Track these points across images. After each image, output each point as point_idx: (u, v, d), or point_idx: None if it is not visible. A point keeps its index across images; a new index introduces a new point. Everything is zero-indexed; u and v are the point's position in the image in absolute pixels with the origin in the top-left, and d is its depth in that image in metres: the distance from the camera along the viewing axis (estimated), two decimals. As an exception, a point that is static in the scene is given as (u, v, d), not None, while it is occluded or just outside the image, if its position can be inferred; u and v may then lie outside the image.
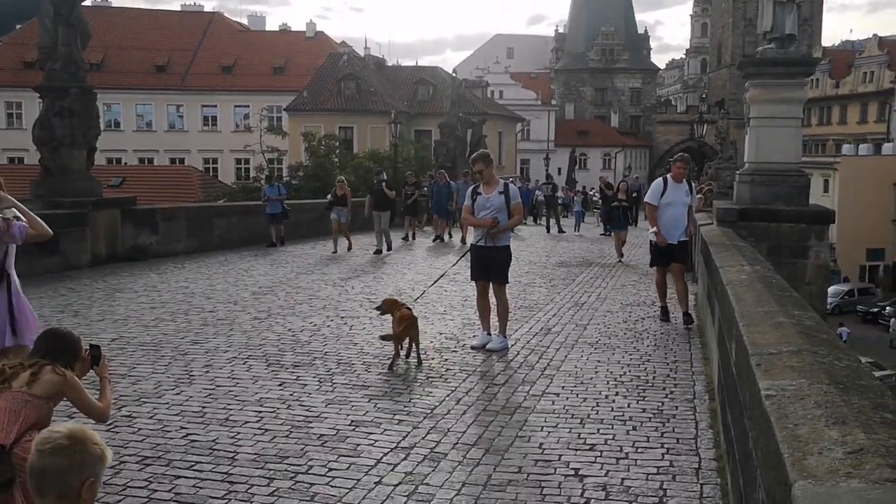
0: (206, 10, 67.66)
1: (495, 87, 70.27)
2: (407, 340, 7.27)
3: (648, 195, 9.78)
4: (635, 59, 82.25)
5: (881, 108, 60.84)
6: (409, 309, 7.43)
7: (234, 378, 6.62)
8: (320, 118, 48.81)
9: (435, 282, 10.36)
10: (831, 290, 41.90)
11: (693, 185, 10.10)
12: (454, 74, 67.58)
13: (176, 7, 69.87)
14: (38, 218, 5.00)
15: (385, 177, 19.22)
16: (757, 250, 9.31)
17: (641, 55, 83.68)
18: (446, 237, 20.88)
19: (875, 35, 67.47)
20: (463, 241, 18.69)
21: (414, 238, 20.66)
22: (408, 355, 7.29)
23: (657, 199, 9.44)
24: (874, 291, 51.21)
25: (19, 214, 4.84)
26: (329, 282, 12.65)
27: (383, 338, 7.41)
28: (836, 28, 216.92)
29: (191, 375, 6.67)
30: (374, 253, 16.77)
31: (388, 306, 7.50)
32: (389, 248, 17.31)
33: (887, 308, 46.23)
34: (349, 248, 17.25)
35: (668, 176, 9.66)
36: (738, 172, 13.77)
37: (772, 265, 7.57)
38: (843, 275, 51.29)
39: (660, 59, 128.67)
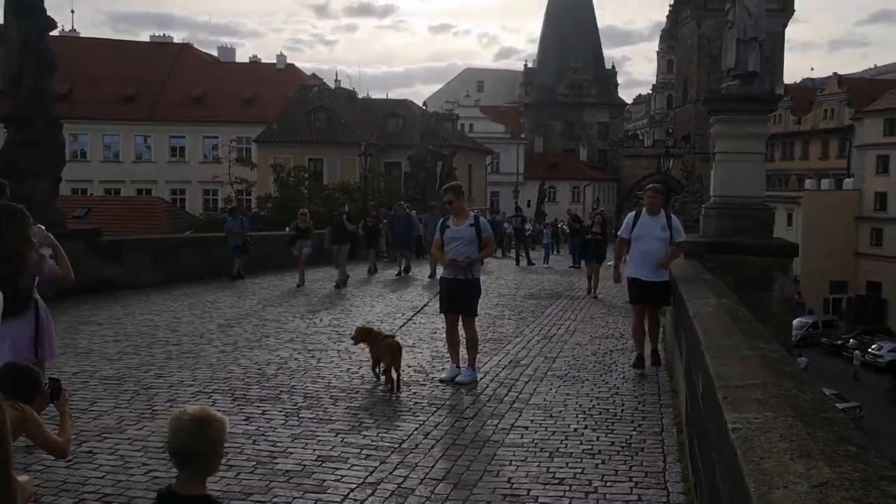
0: (175, 41, 67.60)
1: (465, 120, 70.86)
2: (382, 367, 7.49)
3: (621, 228, 9.02)
4: (603, 94, 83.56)
5: (841, 145, 62.22)
6: (393, 337, 7.65)
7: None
8: (290, 150, 48.77)
9: (416, 312, 10.29)
10: (796, 322, 42.50)
11: (675, 218, 8.79)
12: (424, 107, 68.12)
13: (145, 38, 69.74)
14: (68, 261, 5.48)
15: (346, 209, 19.09)
16: (723, 283, 9.39)
17: (609, 90, 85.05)
18: (410, 268, 20.40)
19: (835, 73, 69.23)
20: (431, 275, 18.38)
21: (377, 270, 20.32)
22: (387, 380, 7.42)
23: (628, 233, 8.62)
24: (838, 324, 51.97)
25: (52, 253, 5.42)
26: (297, 314, 12.54)
27: (376, 371, 7.63)
28: (798, 66, 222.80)
29: (154, 410, 6.54)
30: (335, 287, 16.37)
31: (361, 335, 7.72)
32: (344, 284, 16.76)
33: (851, 340, 46.91)
34: (304, 283, 16.74)
35: (643, 207, 8.77)
36: (704, 206, 13.97)
37: (738, 298, 7.64)
38: (807, 307, 52.04)
39: (627, 94, 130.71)
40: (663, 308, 10.52)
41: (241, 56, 71.17)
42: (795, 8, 77.82)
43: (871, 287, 54.29)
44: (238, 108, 56.32)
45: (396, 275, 19.69)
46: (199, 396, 7.00)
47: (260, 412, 6.53)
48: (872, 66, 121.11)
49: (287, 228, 18.35)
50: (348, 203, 21.35)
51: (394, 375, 7.41)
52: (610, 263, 9.35)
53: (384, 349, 7.44)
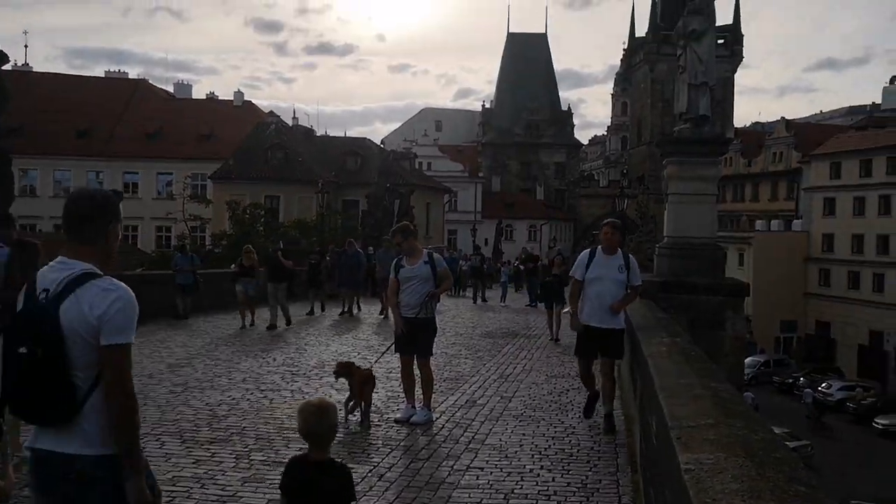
0: (131, 76, 67.12)
1: (423, 158, 71.26)
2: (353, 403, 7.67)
3: (573, 269, 8.03)
4: (559, 134, 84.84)
5: (790, 187, 63.86)
6: (369, 370, 7.83)
7: (145, 456, 6.30)
8: (246, 187, 48.45)
9: (385, 351, 9.78)
10: (748, 361, 43.11)
11: (632, 259, 7.79)
12: (383, 146, 68.38)
13: (100, 73, 69.11)
14: None
15: (282, 245, 18.89)
16: (677, 322, 9.48)
17: (565, 131, 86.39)
18: (354, 310, 19.32)
19: (783, 118, 71.34)
20: (383, 313, 18.08)
21: (323, 310, 19.60)
22: (355, 410, 7.56)
23: (582, 273, 7.66)
24: (789, 362, 52.83)
25: None
26: (250, 353, 12.34)
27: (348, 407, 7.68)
28: (748, 110, 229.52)
29: (99, 453, 6.32)
30: (268, 328, 15.47)
31: (343, 369, 7.75)
32: (289, 323, 16.18)
33: (801, 379, 47.68)
34: (252, 324, 15.95)
35: (599, 247, 7.82)
36: (657, 246, 14.15)
37: (691, 337, 7.71)
38: (758, 346, 52.85)
39: (583, 135, 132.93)
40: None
41: (198, 93, 70.82)
42: (744, 55, 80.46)
43: (820, 326, 55.43)
44: (194, 145, 55.92)
45: (340, 314, 18.88)
46: (146, 439, 6.80)
47: (210, 455, 6.37)
48: (818, 112, 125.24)
49: (232, 266, 17.71)
50: (304, 241, 20.82)
51: (363, 408, 7.56)
52: (567, 310, 8.61)
53: (362, 381, 7.55)
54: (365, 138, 66.27)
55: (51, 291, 2.79)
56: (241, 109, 61.70)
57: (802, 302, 56.40)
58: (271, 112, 65.01)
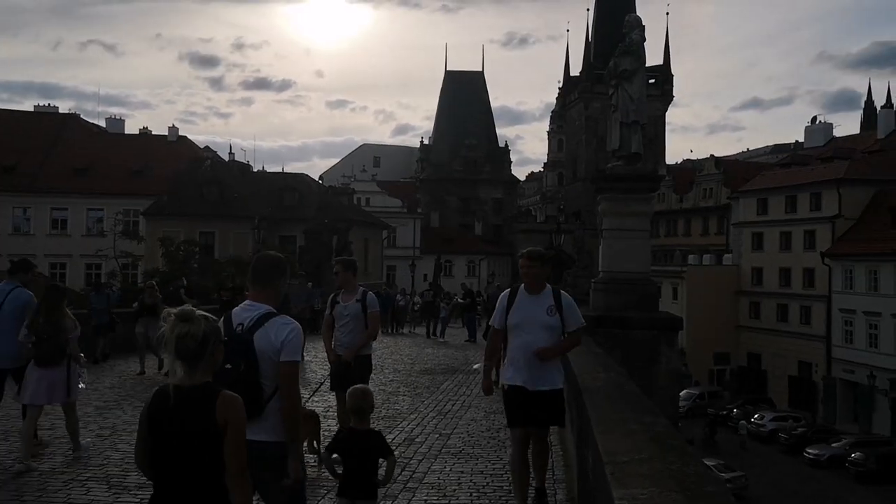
0: (61, 111, 65.61)
1: (362, 194, 71.20)
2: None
3: (493, 316, 6.44)
4: (497, 170, 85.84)
5: (720, 222, 65.64)
6: (311, 409, 7.70)
7: (70, 503, 6.05)
8: (180, 223, 47.58)
9: (317, 388, 9.63)
10: (683, 393, 43.85)
11: (566, 297, 6.12)
12: (320, 181, 68.11)
13: (29, 108, 67.38)
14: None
15: (185, 282, 18.01)
16: (611, 356, 9.58)
17: (503, 167, 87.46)
18: None
19: (712, 155, 73.51)
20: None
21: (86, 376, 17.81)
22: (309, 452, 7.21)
23: (502, 320, 6.08)
24: (722, 394, 53.80)
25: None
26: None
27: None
28: (680, 148, 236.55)
29: (22, 500, 6.06)
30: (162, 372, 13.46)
31: None
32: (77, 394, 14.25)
33: (735, 410, 48.60)
34: (160, 368, 13.59)
35: (521, 285, 6.17)
36: (593, 280, 14.34)
37: (626, 371, 7.80)
38: (693, 378, 53.76)
39: (520, 172, 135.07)
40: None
41: (131, 127, 69.59)
42: (675, 94, 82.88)
43: (752, 358, 56.72)
44: (126, 180, 54.68)
45: None
46: (71, 485, 6.54)
47: (137, 501, 6.14)
48: (745, 150, 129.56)
49: (134, 304, 15.86)
50: (237, 278, 19.45)
51: (315, 446, 7.27)
52: (477, 366, 6.33)
53: (306, 420, 7.25)
54: (303, 174, 66.04)
55: (245, 325, 4.11)
56: (176, 144, 60.76)
57: (734, 334, 57.70)
58: (207, 147, 64.36)
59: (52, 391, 7.50)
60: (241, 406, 3.24)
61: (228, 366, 3.77)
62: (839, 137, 71.41)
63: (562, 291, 6.16)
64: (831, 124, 74.69)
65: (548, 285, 6.13)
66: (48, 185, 54.15)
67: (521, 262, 6.08)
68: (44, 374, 7.42)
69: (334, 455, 5.03)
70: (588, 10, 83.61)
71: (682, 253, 65.77)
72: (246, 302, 4.28)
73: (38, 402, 7.48)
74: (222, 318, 4.00)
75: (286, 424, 3.98)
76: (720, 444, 43.30)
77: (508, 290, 6.26)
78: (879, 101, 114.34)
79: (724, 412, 48.86)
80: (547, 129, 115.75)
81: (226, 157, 60.82)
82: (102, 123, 67.44)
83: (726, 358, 57.42)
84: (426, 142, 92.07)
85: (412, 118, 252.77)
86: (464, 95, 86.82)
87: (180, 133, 64.14)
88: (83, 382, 8.27)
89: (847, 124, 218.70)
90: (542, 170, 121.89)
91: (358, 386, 5.25)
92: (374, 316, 7.79)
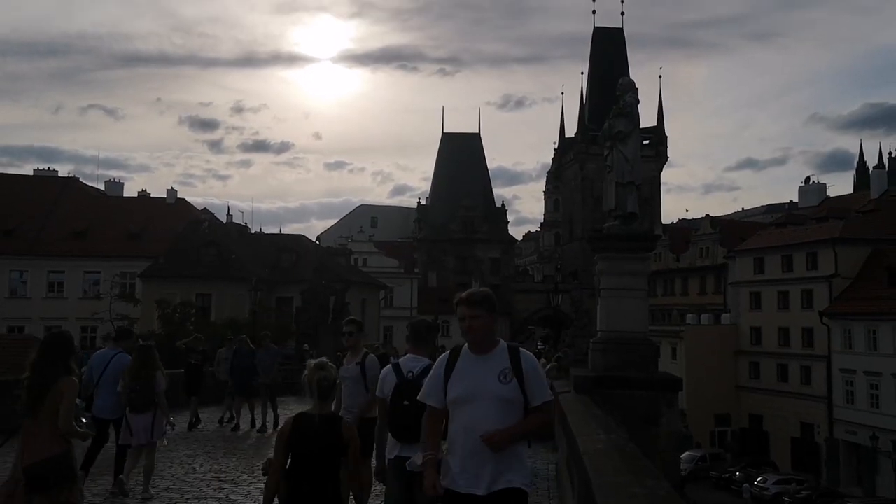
0: (60, 174, 66.11)
1: (359, 255, 71.27)
2: None
3: (425, 389, 4.58)
4: (494, 230, 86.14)
5: (717, 281, 65.61)
6: None
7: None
8: (177, 285, 47.40)
9: None
10: (685, 456, 43.16)
11: (527, 357, 4.42)
12: (318, 242, 68.30)
13: (29, 171, 67.94)
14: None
15: (153, 343, 17.59)
16: (612, 418, 9.43)
17: (500, 227, 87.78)
18: (257, 422, 16.18)
19: (707, 215, 73.93)
20: (262, 428, 16.11)
21: (198, 420, 16.35)
22: None
23: (440, 396, 4.44)
24: (724, 457, 52.99)
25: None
26: (175, 459, 11.76)
27: None
28: (676, 207, 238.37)
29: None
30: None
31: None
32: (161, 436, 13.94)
33: (737, 473, 47.79)
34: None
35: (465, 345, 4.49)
36: (591, 340, 14.23)
37: (626, 432, 7.65)
38: (695, 440, 53.02)
39: (517, 231, 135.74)
40: (554, 442, 9.23)
41: (130, 190, 70.15)
42: (670, 155, 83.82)
43: (753, 420, 56.06)
44: (123, 243, 54.80)
45: (222, 421, 16.65)
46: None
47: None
48: (741, 209, 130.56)
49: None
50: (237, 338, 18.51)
51: None
52: (413, 460, 4.92)
53: None
54: (300, 235, 66.26)
55: (414, 372, 5.56)
56: (174, 207, 61.06)
57: (735, 395, 57.16)
58: (205, 209, 64.66)
59: (142, 433, 8.88)
60: (356, 430, 5.18)
61: (406, 402, 5.33)
62: (833, 197, 72.05)
63: (522, 350, 4.49)
64: (825, 184, 75.59)
65: (501, 341, 4.48)
66: (46, 248, 54.21)
67: (459, 311, 4.42)
68: (137, 419, 8.87)
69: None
70: (582, 73, 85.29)
71: (679, 312, 65.59)
72: (409, 355, 5.89)
73: (131, 442, 8.96)
74: (392, 367, 5.67)
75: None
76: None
77: (448, 352, 4.55)
78: (871, 161, 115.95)
79: (727, 475, 48.07)
80: (543, 189, 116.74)
81: (224, 219, 61.04)
82: (101, 187, 67.91)
83: (727, 419, 56.77)
84: (423, 202, 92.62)
85: (410, 179, 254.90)
86: (461, 156, 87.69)
87: (179, 195, 64.56)
88: (167, 435, 9.63)
89: (840, 184, 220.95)
90: (539, 229, 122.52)
91: (316, 363, 5.21)
92: (373, 379, 7.10)
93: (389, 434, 5.63)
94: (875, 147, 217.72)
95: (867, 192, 67.79)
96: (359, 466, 5.24)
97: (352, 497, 6.07)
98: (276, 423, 15.73)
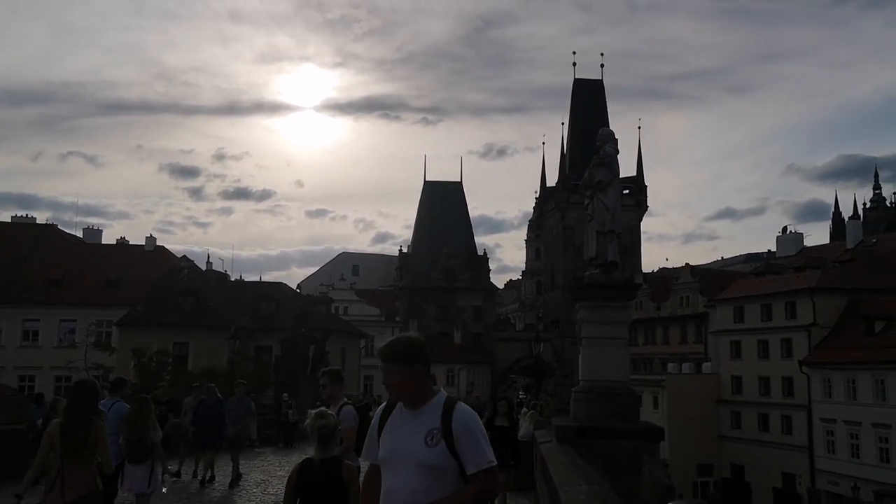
0: (39, 221, 65.64)
1: (340, 303, 71.03)
2: None
3: (365, 446, 4.22)
4: (476, 278, 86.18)
5: (698, 330, 65.80)
6: None
7: None
8: (154, 333, 46.82)
9: None
10: (669, 506, 42.74)
11: (463, 413, 3.85)
12: (298, 290, 67.96)
13: (6, 219, 67.37)
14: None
15: (147, 395, 17.02)
16: (594, 468, 9.31)
17: (482, 275, 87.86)
18: (210, 475, 15.37)
19: (687, 264, 74.42)
20: (234, 482, 15.29)
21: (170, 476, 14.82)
22: None
23: (375, 452, 4.03)
24: (708, 508, 52.49)
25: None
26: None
27: None
28: (657, 256, 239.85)
29: None
30: None
31: None
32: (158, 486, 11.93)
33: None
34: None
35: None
36: (573, 389, 14.13)
37: (608, 483, 7.54)
38: (677, 491, 52.50)
39: (499, 279, 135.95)
40: (537, 494, 9.23)
41: (109, 237, 69.62)
42: (651, 204, 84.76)
43: (735, 469, 55.70)
44: (100, 291, 54.21)
45: (200, 482, 15.22)
46: None
47: None
48: (720, 258, 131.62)
49: (39, 421, 14.34)
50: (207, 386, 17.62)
51: None
52: None
53: None
54: (281, 283, 65.85)
55: None
56: (153, 254, 60.66)
57: (717, 444, 56.89)
58: (184, 257, 64.24)
59: (137, 483, 9.25)
60: (357, 471, 5.36)
61: None
62: (810, 247, 72.81)
63: (458, 406, 3.90)
64: (802, 234, 76.27)
65: (441, 394, 3.98)
66: (21, 296, 53.51)
67: (383, 368, 3.99)
68: (134, 470, 9.23)
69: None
70: (563, 123, 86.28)
71: (661, 361, 65.55)
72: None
73: (133, 490, 9.35)
74: (381, 408, 4.20)
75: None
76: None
77: (384, 403, 4.18)
78: (846, 211, 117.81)
79: (711, 526, 47.57)
80: (525, 237, 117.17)
81: (203, 267, 60.70)
82: (80, 234, 67.44)
83: (710, 469, 56.36)
84: (405, 250, 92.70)
85: (392, 227, 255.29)
86: (443, 204, 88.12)
87: (158, 243, 64.22)
88: (165, 484, 10.42)
89: (817, 234, 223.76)
90: (520, 278, 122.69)
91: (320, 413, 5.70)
92: (348, 432, 7.14)
93: None
94: (850, 198, 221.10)
95: (843, 242, 68.71)
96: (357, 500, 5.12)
97: None
98: (234, 478, 15.11)
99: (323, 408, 5.80)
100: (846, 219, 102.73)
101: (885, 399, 43.79)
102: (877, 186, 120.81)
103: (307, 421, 5.54)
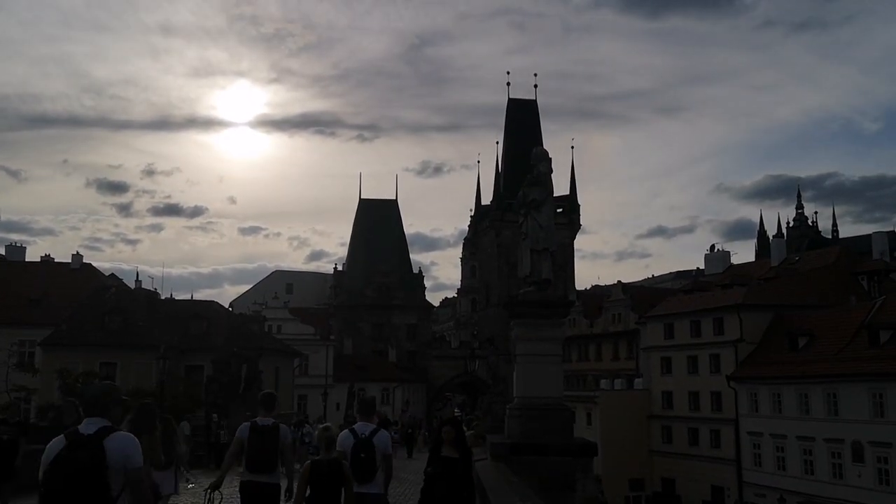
0: (-43, 237, 63.12)
1: (273, 321, 69.92)
2: None
3: None
4: (411, 297, 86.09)
5: (630, 346, 66.86)
6: None
7: None
8: (80, 354, 45.29)
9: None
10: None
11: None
12: (230, 309, 66.73)
13: (-79, 234, 64.54)
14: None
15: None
16: (529, 484, 9.35)
17: (417, 293, 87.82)
18: None
19: (619, 281, 75.73)
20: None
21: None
22: None
23: None
24: (639, 521, 53.22)
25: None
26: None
27: None
28: (590, 274, 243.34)
29: None
30: None
31: None
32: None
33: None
34: None
35: None
36: (508, 407, 14.20)
37: (543, 499, 7.59)
38: (610, 505, 53.15)
39: (435, 297, 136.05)
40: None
41: (32, 255, 67.08)
42: (584, 223, 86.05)
43: (667, 483, 56.64)
44: (23, 310, 52.23)
45: None
46: None
47: None
48: (651, 276, 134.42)
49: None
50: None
51: None
52: None
53: None
54: (212, 301, 64.62)
55: (366, 434, 8.13)
56: (79, 272, 58.82)
57: (648, 459, 57.77)
58: (112, 275, 62.55)
59: (168, 484, 9.65)
60: (350, 471, 7.59)
61: (363, 455, 8.00)
62: (736, 265, 74.87)
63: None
64: (728, 252, 78.43)
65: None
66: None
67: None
68: (162, 475, 9.43)
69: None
70: (497, 142, 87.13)
71: (594, 377, 66.32)
72: (360, 423, 8.44)
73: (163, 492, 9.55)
74: (349, 431, 8.25)
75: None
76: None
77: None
78: (771, 230, 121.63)
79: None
80: (460, 255, 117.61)
81: (132, 285, 59.13)
82: (2, 251, 64.99)
83: (641, 484, 57.15)
84: (340, 268, 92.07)
85: (326, 244, 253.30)
86: (378, 222, 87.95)
87: (84, 260, 62.32)
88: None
89: (743, 252, 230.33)
90: (455, 295, 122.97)
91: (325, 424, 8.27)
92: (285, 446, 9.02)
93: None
94: (774, 217, 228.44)
95: (768, 260, 70.79)
96: (353, 496, 7.51)
97: None
98: None
99: (328, 423, 8.41)
100: (771, 237, 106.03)
101: (809, 412, 45.16)
102: (799, 206, 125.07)
103: (315, 433, 6.74)
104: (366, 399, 9.59)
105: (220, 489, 8.42)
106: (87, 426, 4.84)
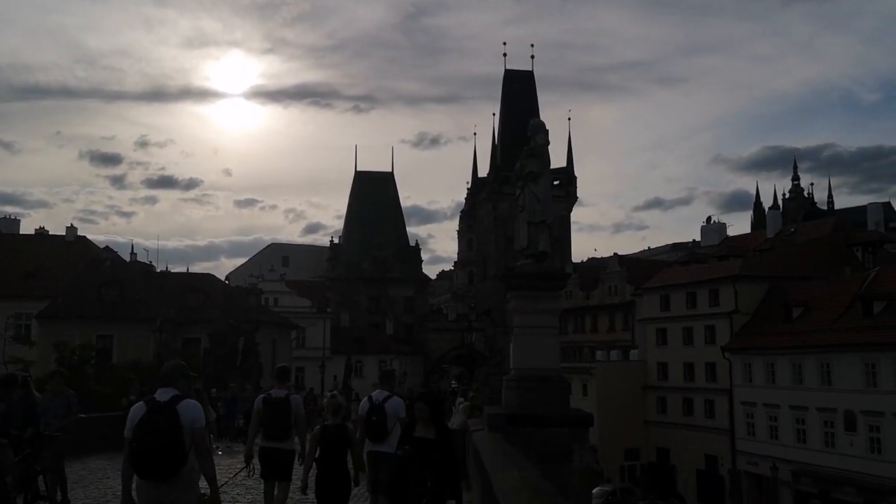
0: (-49, 210, 62.84)
1: (270, 294, 69.99)
2: None
3: None
4: (408, 269, 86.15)
5: (626, 318, 67.17)
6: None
7: None
8: (76, 326, 45.33)
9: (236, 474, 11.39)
10: (596, 491, 43.50)
11: None
12: (227, 282, 66.72)
13: (-85, 206, 64.37)
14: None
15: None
16: (525, 455, 9.42)
17: (413, 266, 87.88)
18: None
19: (615, 254, 75.85)
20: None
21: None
22: None
23: None
24: (634, 490, 53.77)
25: None
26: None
27: None
28: (586, 246, 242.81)
29: None
30: None
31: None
32: None
33: (647, 507, 48.58)
34: None
35: None
36: (504, 378, 14.26)
37: (540, 470, 7.64)
38: (605, 476, 53.65)
39: (432, 270, 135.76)
40: (468, 481, 9.07)
41: (27, 227, 67.01)
42: (581, 195, 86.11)
43: (661, 453, 57.24)
44: (18, 283, 52.25)
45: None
46: None
47: None
48: (647, 248, 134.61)
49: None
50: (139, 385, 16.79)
51: None
52: None
53: None
54: (208, 274, 64.62)
55: (380, 400, 9.41)
56: (74, 245, 58.78)
57: (644, 429, 58.30)
58: (107, 247, 62.45)
59: None
60: (354, 433, 9.01)
61: (374, 418, 9.13)
62: (732, 236, 75.02)
63: None
64: (725, 224, 78.65)
65: None
66: (-68, 289, 51.21)
67: None
68: None
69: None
70: (494, 114, 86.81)
71: (590, 349, 66.70)
72: (377, 390, 9.64)
73: None
74: (367, 398, 9.68)
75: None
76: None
77: None
78: (767, 201, 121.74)
79: (637, 509, 48.72)
80: (457, 228, 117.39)
81: (127, 258, 59.07)
82: (-5, 224, 64.79)
83: (636, 454, 57.76)
84: (336, 241, 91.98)
85: (323, 217, 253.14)
86: (374, 195, 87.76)
87: (79, 233, 62.30)
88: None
89: (739, 224, 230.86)
90: (452, 268, 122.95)
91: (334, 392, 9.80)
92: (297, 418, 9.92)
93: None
94: (770, 188, 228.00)
95: (764, 232, 70.98)
96: (358, 455, 8.66)
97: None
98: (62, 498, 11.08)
99: (335, 391, 9.53)
100: (767, 209, 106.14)
101: (802, 382, 45.55)
102: (795, 177, 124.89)
103: (323, 400, 7.39)
104: (386, 370, 11.03)
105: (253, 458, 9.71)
106: (162, 395, 6.06)
